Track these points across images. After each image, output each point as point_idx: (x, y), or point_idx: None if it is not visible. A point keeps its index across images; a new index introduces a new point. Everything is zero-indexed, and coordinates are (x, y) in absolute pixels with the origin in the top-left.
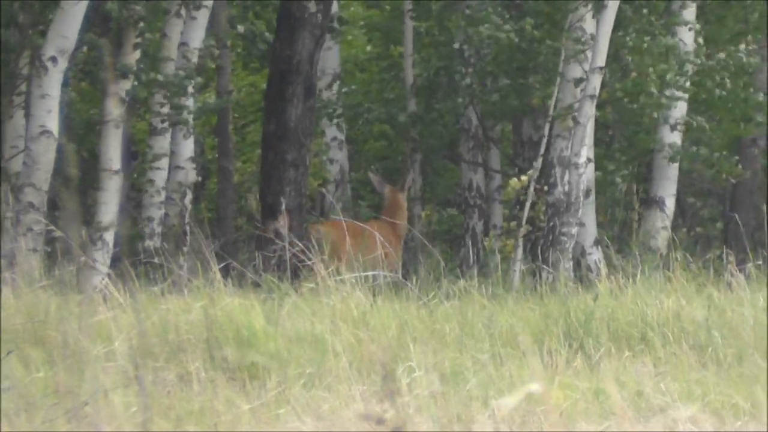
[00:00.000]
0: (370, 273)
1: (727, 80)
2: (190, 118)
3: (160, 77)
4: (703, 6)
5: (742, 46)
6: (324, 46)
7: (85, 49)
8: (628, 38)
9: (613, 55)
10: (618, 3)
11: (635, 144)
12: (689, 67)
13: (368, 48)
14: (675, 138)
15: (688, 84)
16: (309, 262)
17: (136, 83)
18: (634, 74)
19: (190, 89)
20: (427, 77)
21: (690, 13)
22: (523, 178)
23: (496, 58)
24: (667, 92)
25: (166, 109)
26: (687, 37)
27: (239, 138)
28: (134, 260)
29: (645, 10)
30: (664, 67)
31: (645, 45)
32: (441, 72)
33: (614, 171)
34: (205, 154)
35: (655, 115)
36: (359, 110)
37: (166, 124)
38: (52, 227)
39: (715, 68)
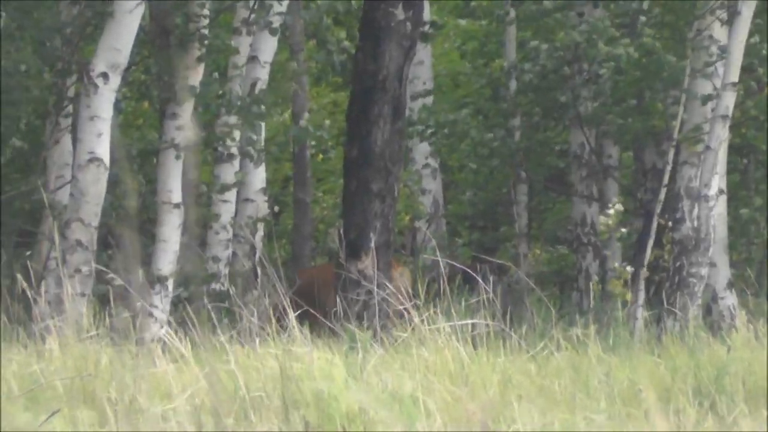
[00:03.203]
0: (469, 321)
1: None
2: (262, 153)
3: (226, 93)
4: None
5: None
6: (414, 59)
7: (140, 64)
8: (762, 46)
9: (746, 68)
10: (753, 9)
11: None
12: None
13: (463, 62)
14: None
15: None
16: (400, 308)
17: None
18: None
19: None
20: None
21: None
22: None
23: (614, 78)
24: None
25: (235, 138)
26: None
27: (318, 165)
28: (198, 306)
29: None
30: None
31: None
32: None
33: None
34: (278, 183)
35: None
36: (454, 131)
37: (235, 151)
38: (104, 269)
39: None
